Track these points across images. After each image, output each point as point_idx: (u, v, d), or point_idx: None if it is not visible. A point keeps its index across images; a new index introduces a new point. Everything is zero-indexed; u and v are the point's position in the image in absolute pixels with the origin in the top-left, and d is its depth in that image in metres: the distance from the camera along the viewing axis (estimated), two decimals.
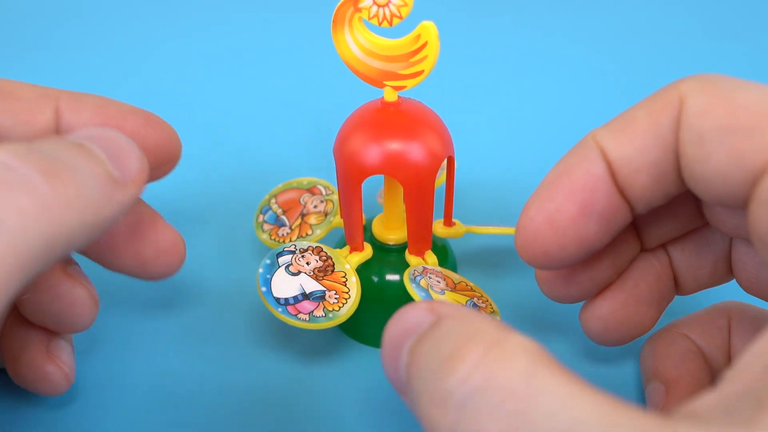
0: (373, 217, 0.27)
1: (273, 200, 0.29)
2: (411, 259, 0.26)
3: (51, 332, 0.24)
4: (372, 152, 0.23)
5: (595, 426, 0.14)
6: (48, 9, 0.48)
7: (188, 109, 0.39)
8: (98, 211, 0.18)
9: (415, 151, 0.23)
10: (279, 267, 0.24)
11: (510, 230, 0.27)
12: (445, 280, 0.25)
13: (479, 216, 0.31)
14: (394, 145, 0.23)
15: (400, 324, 0.18)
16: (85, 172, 0.18)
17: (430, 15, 0.48)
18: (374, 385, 0.26)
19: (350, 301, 0.24)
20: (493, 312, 0.24)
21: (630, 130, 0.20)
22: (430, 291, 0.23)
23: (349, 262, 0.26)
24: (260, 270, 0.24)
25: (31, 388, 0.24)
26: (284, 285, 0.24)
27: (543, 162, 0.34)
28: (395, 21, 0.22)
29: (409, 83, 0.23)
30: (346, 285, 0.25)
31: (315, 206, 0.29)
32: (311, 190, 0.30)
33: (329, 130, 0.27)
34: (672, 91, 0.19)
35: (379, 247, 0.27)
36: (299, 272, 0.24)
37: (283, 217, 0.29)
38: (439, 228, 0.27)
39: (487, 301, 0.25)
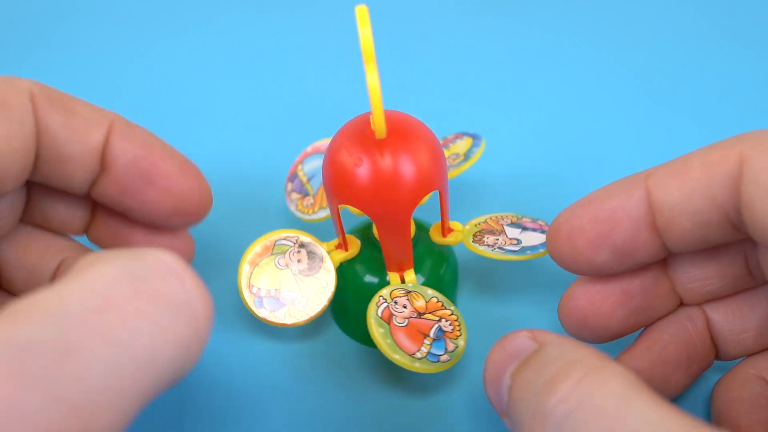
0: None
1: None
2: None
3: None
4: (345, 188, 0.23)
5: None
6: (48, 9, 0.48)
7: (187, 108, 0.39)
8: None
9: (382, 188, 0.23)
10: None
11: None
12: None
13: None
14: (361, 180, 0.23)
15: (503, 349, 0.20)
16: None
17: (435, 15, 0.47)
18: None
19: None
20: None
21: (682, 175, 0.20)
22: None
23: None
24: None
25: None
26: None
27: (548, 161, 0.35)
28: None
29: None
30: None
31: None
32: None
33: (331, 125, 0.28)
34: (732, 147, 0.19)
35: (374, 244, 0.27)
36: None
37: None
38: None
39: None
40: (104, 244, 0.26)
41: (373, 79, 0.19)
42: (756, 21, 0.44)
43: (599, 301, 0.23)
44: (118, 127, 0.23)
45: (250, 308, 0.25)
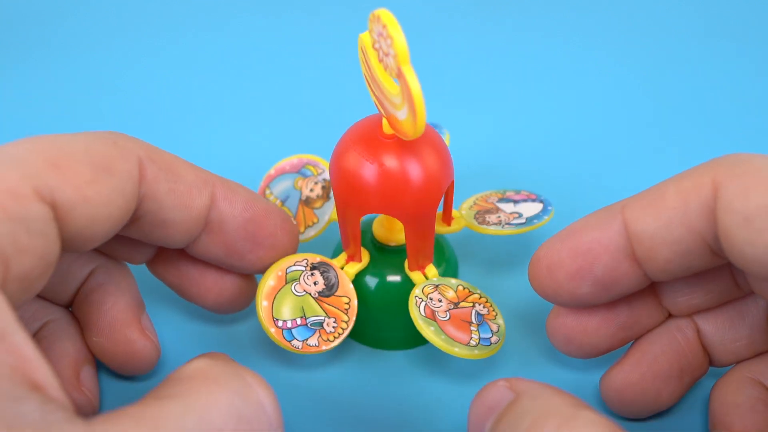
0: (374, 218, 0.27)
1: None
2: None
3: (81, 360, 0.25)
4: (368, 193, 0.23)
5: None
6: (48, 9, 0.47)
7: (187, 108, 0.39)
8: None
9: (412, 191, 0.23)
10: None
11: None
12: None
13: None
14: (391, 185, 0.23)
15: (483, 402, 0.20)
16: None
17: (436, 18, 0.48)
18: None
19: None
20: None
21: (657, 205, 0.20)
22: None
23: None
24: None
25: None
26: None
27: (547, 162, 0.35)
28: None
29: None
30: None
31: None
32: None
33: (328, 130, 0.28)
34: (704, 174, 0.19)
35: (380, 248, 0.27)
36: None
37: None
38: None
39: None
40: (167, 279, 0.26)
41: (413, 80, 0.19)
42: (753, 22, 0.44)
43: (585, 317, 0.23)
44: (221, 191, 0.23)
45: (281, 343, 0.24)
